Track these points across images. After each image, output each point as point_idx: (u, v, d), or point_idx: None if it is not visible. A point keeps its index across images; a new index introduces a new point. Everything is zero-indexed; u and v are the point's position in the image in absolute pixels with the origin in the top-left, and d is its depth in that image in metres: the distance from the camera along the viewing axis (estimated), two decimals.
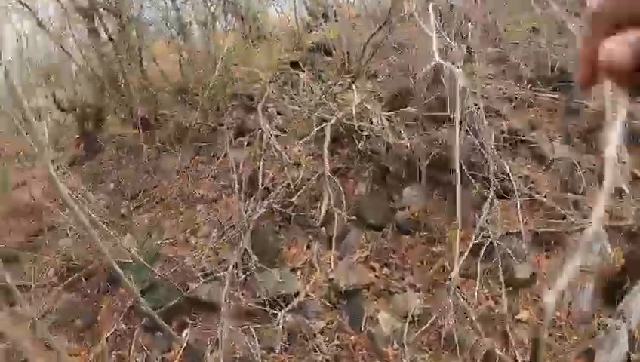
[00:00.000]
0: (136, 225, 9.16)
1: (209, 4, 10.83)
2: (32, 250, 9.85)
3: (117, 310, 7.82)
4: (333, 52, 12.64)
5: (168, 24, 11.84)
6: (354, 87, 8.88)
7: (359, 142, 8.32)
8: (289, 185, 7.95)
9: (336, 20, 14.73)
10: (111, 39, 10.46)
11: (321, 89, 10.36)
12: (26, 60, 13.43)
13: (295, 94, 10.51)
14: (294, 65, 12.19)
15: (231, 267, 7.09)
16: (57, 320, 8.36)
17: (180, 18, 11.61)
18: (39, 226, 10.35)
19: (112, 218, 9.50)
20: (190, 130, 10.32)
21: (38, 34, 12.32)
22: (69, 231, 9.65)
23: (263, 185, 8.16)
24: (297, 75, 11.35)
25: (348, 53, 11.67)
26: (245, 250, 7.19)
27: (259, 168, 8.41)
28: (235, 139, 9.94)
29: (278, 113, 9.97)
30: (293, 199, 7.64)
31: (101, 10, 10.34)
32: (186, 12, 12.06)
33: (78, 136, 12.15)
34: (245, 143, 9.35)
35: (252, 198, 7.98)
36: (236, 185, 8.28)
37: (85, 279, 8.64)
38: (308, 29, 14.68)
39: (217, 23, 11.26)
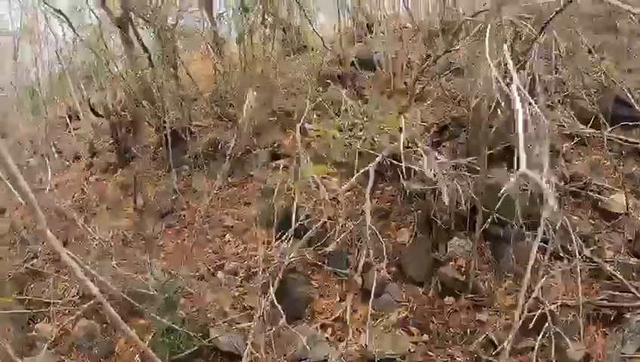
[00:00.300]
0: (161, 247, 8.34)
1: (247, 15, 9.82)
2: (56, 264, 9.13)
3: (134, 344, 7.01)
4: (378, 68, 11.58)
5: (204, 35, 10.88)
6: (402, 118, 7.82)
7: (404, 178, 7.28)
8: (324, 223, 6.98)
9: (382, 33, 13.67)
10: (145, 49, 9.60)
11: (362, 112, 9.33)
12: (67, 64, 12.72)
13: (337, 113, 9.50)
14: (336, 80, 11.18)
15: (256, 318, 6.17)
16: (74, 344, 7.66)
17: (217, 29, 10.65)
18: (67, 236, 9.59)
19: (139, 238, 8.70)
20: (224, 147, 9.43)
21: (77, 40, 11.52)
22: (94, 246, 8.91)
23: (297, 219, 7.20)
24: (338, 91, 10.31)
25: (394, 73, 10.61)
26: (273, 300, 6.24)
27: (293, 199, 7.46)
28: (270, 161, 9.02)
29: (317, 135, 8.96)
30: (330, 248, 6.63)
31: (136, 19, 9.48)
32: (223, 23, 11.11)
33: (112, 142, 11.35)
34: (281, 167, 8.36)
35: (284, 237, 7.04)
36: (268, 218, 7.38)
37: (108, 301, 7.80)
38: (352, 42, 13.55)
39: (256, 34, 10.22)
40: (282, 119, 9.96)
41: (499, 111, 6.82)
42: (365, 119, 8.61)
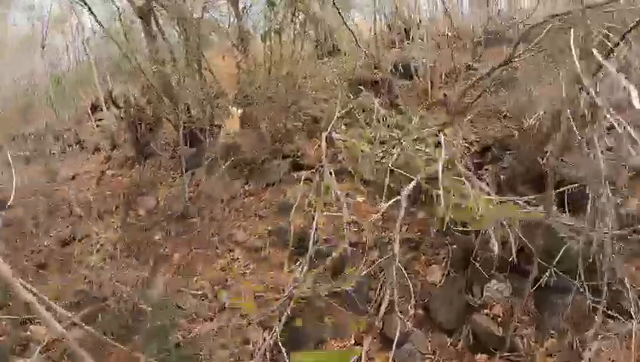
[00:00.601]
0: (166, 257, 7.31)
1: (277, 12, 8.66)
2: (62, 259, 8.21)
3: None
4: (415, 77, 10.38)
5: (229, 30, 9.75)
6: (442, 135, 6.66)
7: (437, 203, 6.09)
8: (345, 250, 5.85)
9: (421, 39, 12.44)
10: (167, 43, 8.59)
11: (396, 124, 8.18)
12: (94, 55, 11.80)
13: (367, 123, 8.35)
14: (369, 86, 10.01)
15: (258, 356, 5.11)
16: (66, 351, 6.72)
17: (243, 25, 9.54)
18: (73, 233, 8.64)
19: (144, 244, 7.70)
20: (242, 151, 8.36)
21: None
22: (98, 247, 7.96)
23: (315, 243, 6.11)
24: (371, 99, 9.14)
25: (432, 83, 9.40)
26: (277, 340, 5.16)
27: (313, 218, 6.36)
28: (291, 171, 7.90)
29: (345, 147, 7.84)
30: (348, 283, 5.49)
31: (159, 10, 8.44)
32: (250, 18, 9.97)
33: (131, 136, 10.37)
34: (302, 179, 7.25)
35: (299, 264, 5.96)
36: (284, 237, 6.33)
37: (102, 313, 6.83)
38: (388, 47, 12.31)
39: (285, 32, 9.06)
40: (308, 125, 8.84)
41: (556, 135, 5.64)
42: (399, 133, 7.48)
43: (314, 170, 7.21)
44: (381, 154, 7.12)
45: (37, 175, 11.35)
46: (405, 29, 13.18)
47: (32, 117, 13.11)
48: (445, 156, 6.04)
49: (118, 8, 8.78)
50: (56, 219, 9.26)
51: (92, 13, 8.60)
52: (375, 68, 11.20)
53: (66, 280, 7.58)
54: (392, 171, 6.62)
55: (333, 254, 5.80)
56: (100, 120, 12.69)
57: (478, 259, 5.55)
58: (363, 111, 8.85)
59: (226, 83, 9.89)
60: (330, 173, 6.66)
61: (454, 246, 5.84)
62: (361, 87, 9.83)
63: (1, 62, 12.64)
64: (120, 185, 9.82)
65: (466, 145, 7.40)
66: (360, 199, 6.93)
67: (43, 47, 12.15)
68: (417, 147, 6.87)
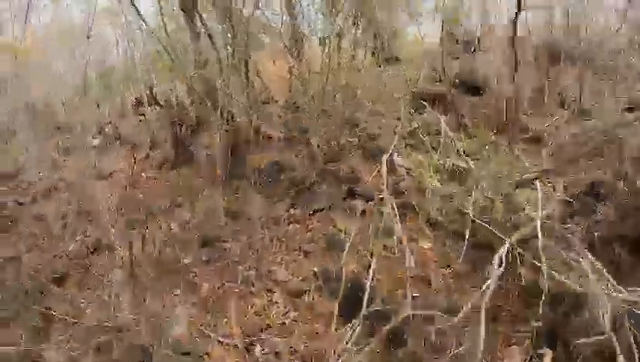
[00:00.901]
0: (194, 285, 6.10)
1: (336, 14, 7.23)
2: (84, 271, 7.12)
3: None
4: (483, 94, 8.91)
5: (282, 30, 8.34)
6: (538, 184, 5.21)
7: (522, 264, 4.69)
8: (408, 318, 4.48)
9: (484, 51, 10.92)
10: (212, 42, 7.35)
11: (466, 150, 6.77)
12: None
13: (433, 148, 6.96)
14: (431, 101, 8.61)
15: None
16: None
17: (297, 25, 8.17)
18: (99, 240, 7.52)
19: (173, 265, 6.51)
20: (290, 167, 7.08)
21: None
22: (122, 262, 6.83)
23: (370, 301, 4.78)
24: (437, 117, 7.73)
25: (506, 102, 7.91)
26: None
27: (369, 266, 5.04)
28: (345, 197, 6.56)
29: (408, 173, 6.47)
30: None
31: (204, 6, 7.19)
32: (306, 18, 8.56)
33: (171, 137, 9.20)
34: (358, 211, 5.92)
35: (350, 326, 4.62)
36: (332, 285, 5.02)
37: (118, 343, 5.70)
38: (451, 57, 10.79)
39: (343, 38, 7.66)
40: (364, 142, 7.49)
41: None
42: (473, 163, 6.05)
43: (371, 201, 5.86)
44: (452, 190, 5.70)
45: (75, 168, 10.32)
46: (469, 38, 11.70)
47: (77, 108, 12.08)
48: (543, 212, 4.60)
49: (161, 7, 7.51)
50: (84, 221, 8.14)
51: (136, 8, 7.38)
52: (439, 80, 9.78)
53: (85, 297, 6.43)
54: (466, 216, 5.22)
55: (392, 320, 4.42)
56: (142, 115, 11.58)
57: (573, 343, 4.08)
58: (428, 132, 7.49)
59: (275, 88, 8.61)
60: (393, 208, 5.30)
61: (541, 324, 4.35)
62: (424, 102, 8.43)
63: (51, 52, 11.64)
64: (155, 190, 8.68)
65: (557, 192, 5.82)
66: (425, 245, 5.55)
67: (88, 38, 11.04)
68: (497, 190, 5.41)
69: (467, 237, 4.91)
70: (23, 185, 10.20)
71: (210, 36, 7.33)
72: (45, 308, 6.38)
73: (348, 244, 5.39)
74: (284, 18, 8.37)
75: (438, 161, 6.32)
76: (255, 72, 8.09)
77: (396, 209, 5.32)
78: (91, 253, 7.48)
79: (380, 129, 7.87)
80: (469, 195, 5.31)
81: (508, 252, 4.53)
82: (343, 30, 7.26)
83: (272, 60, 8.63)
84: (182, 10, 7.27)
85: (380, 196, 5.60)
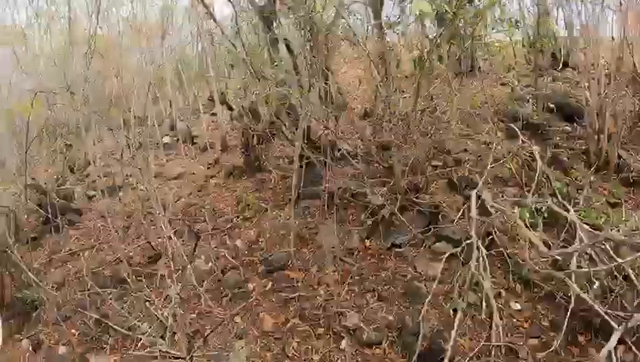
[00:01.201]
0: (256, 316, 5.43)
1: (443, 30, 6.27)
2: (143, 278, 6.50)
3: None
4: (578, 122, 7.83)
5: (366, 40, 7.41)
6: None
7: None
8: None
9: (575, 68, 9.73)
10: (289, 49, 6.64)
11: (563, 192, 5.79)
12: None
13: (526, 185, 6.02)
14: (513, 123, 7.57)
15: None
16: None
17: (384, 36, 7.25)
18: (159, 245, 7.05)
19: (234, 288, 5.87)
20: (367, 193, 6.27)
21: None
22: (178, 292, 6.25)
23: None
24: (529, 146, 6.71)
25: (609, 136, 6.82)
26: None
27: (451, 326, 4.21)
28: (427, 236, 5.70)
29: (496, 210, 5.55)
30: None
31: (283, 11, 6.46)
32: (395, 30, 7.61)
33: (242, 143, 8.59)
34: (442, 255, 5.07)
35: None
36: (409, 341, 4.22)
37: None
38: (538, 74, 9.56)
39: (440, 53, 6.75)
40: (450, 170, 6.62)
41: None
42: (580, 213, 5.09)
43: (457, 246, 4.99)
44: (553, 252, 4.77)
45: (143, 166, 9.92)
46: (556, 52, 10.51)
47: (151, 102, 11.71)
48: None
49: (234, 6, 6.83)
50: (148, 224, 7.60)
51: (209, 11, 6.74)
52: (524, 100, 8.74)
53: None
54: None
55: None
56: (214, 114, 11.08)
57: None
58: (518, 163, 6.54)
59: (355, 101, 7.81)
60: (482, 260, 4.43)
61: None
62: (511, 125, 7.44)
63: (129, 45, 11.29)
64: (222, 199, 8.10)
65: None
66: (515, 306, 4.67)
67: (163, 35, 10.58)
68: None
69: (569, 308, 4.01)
70: (93, 178, 9.92)
71: (287, 45, 6.61)
72: (102, 315, 5.96)
73: (428, 294, 4.57)
74: (369, 28, 7.53)
75: (534, 204, 5.35)
76: (335, 83, 7.30)
77: (485, 258, 4.44)
78: (150, 262, 6.99)
79: (467, 153, 6.98)
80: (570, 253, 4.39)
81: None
82: (443, 49, 6.33)
83: (355, 70, 7.83)
84: (260, 12, 6.57)
85: (468, 241, 4.73)
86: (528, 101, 8.69)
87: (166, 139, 11.10)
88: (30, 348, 5.74)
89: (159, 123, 11.22)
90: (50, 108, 9.69)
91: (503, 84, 9.94)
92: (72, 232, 8.25)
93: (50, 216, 8.10)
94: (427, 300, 4.52)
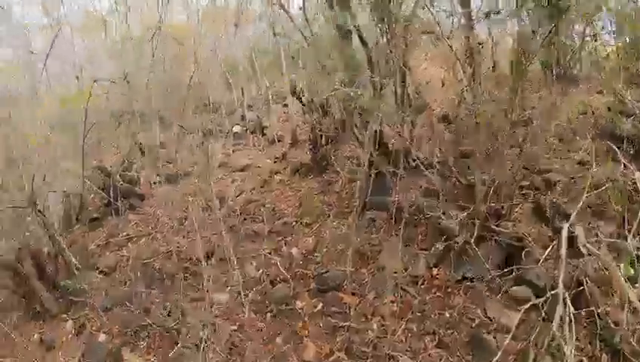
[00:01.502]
0: (300, 341, 4.69)
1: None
2: (190, 276, 6.11)
3: None
4: None
5: (451, 36, 6.26)
6: None
7: None
8: None
9: None
10: (364, 43, 5.72)
11: None
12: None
13: (629, 228, 4.75)
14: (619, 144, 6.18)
15: None
16: None
17: (472, 30, 6.17)
18: (213, 243, 6.48)
19: (279, 305, 5.14)
20: (440, 213, 5.29)
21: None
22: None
23: None
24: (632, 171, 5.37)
25: None
26: None
27: None
28: (502, 270, 4.67)
29: (590, 255, 4.36)
30: None
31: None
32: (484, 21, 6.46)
33: (311, 140, 7.84)
34: (520, 302, 4.06)
35: None
36: None
37: None
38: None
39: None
40: (538, 193, 5.50)
41: None
42: None
43: (540, 293, 3.96)
44: None
45: (211, 154, 9.42)
46: None
47: (225, 90, 11.27)
48: None
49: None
50: (205, 218, 7.01)
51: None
52: (629, 115, 7.29)
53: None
54: None
55: None
56: (285, 105, 10.42)
57: None
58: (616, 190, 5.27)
59: (437, 103, 6.81)
60: (568, 319, 3.38)
61: None
62: (612, 144, 6.06)
63: (207, 32, 10.87)
64: (284, 201, 7.39)
65: None
66: None
67: (236, 25, 10.02)
68: None
69: None
70: (159, 164, 9.56)
71: (361, 37, 5.71)
72: (144, 309, 5.50)
73: (498, 350, 3.59)
74: (455, 20, 6.48)
75: (636, 249, 4.12)
76: (413, 81, 6.34)
77: (572, 315, 3.39)
78: (200, 257, 6.39)
79: (559, 173, 5.82)
80: None
81: None
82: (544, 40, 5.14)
83: (436, 68, 6.79)
84: (330, 6, 5.73)
85: (554, 290, 3.66)
86: (632, 116, 7.23)
87: (236, 128, 10.60)
88: (73, 331, 5.58)
89: (231, 112, 10.74)
90: (125, 94, 9.40)
91: (599, 92, 8.46)
92: (132, 217, 7.92)
93: (111, 199, 7.84)
94: (495, 360, 3.52)
